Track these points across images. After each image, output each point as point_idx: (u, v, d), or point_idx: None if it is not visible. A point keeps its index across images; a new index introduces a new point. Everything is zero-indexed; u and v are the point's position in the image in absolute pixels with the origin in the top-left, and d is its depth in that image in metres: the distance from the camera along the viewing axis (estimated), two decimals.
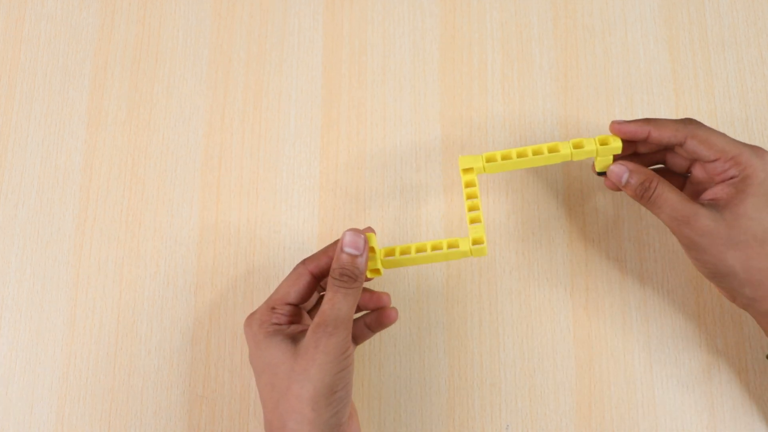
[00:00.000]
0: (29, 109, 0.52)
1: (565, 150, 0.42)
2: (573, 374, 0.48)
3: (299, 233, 0.50)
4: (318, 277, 0.42)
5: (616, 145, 0.42)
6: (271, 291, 0.46)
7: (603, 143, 0.42)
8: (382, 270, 0.42)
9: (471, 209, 0.42)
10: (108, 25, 0.54)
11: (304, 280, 0.41)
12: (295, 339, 0.39)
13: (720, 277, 0.41)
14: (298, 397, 0.37)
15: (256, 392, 0.47)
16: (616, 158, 0.44)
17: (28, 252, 0.50)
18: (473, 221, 0.42)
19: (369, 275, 0.42)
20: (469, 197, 0.43)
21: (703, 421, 0.47)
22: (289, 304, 0.41)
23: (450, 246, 0.41)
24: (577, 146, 0.42)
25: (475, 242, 0.41)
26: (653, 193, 0.42)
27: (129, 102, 0.52)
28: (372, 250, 0.41)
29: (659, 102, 0.52)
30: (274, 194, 0.51)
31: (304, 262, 0.42)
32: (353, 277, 0.39)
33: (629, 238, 0.49)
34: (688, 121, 0.43)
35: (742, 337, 0.47)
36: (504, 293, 0.49)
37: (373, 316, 0.43)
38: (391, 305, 0.44)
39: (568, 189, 0.50)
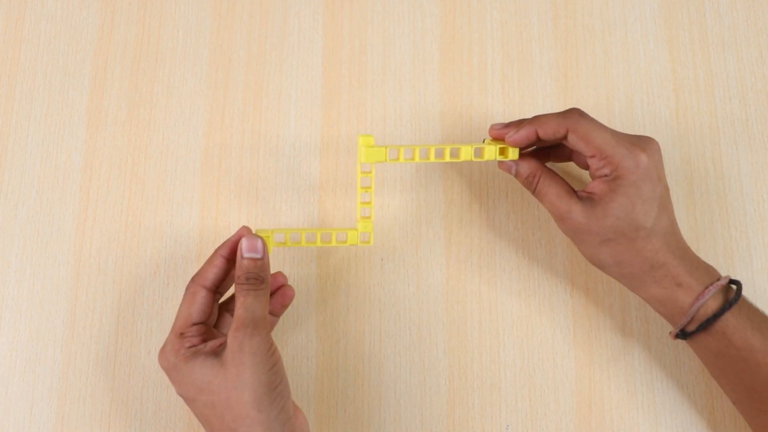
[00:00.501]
0: (29, 109, 0.52)
1: (466, 156, 0.44)
2: (573, 374, 0.48)
3: None
4: (212, 290, 0.42)
5: (514, 157, 0.44)
6: None
7: (502, 153, 0.44)
8: (271, 249, 0.44)
9: (364, 191, 0.45)
10: (108, 25, 0.54)
11: (200, 296, 0.41)
12: (216, 353, 0.39)
13: (599, 267, 0.43)
14: (241, 403, 0.37)
15: None
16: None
17: (28, 252, 0.50)
18: (364, 206, 0.45)
19: None
20: (364, 175, 0.44)
21: (703, 421, 0.47)
22: (196, 324, 0.41)
23: (338, 238, 0.45)
24: (477, 154, 0.44)
25: (363, 232, 0.45)
26: (536, 187, 0.44)
27: (129, 102, 0.52)
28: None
29: (659, 102, 0.52)
30: (274, 194, 0.51)
31: (193, 279, 0.42)
32: (260, 278, 0.40)
33: None
34: (570, 113, 0.42)
35: None
36: (504, 293, 0.49)
37: (273, 300, 0.44)
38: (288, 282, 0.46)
39: None
